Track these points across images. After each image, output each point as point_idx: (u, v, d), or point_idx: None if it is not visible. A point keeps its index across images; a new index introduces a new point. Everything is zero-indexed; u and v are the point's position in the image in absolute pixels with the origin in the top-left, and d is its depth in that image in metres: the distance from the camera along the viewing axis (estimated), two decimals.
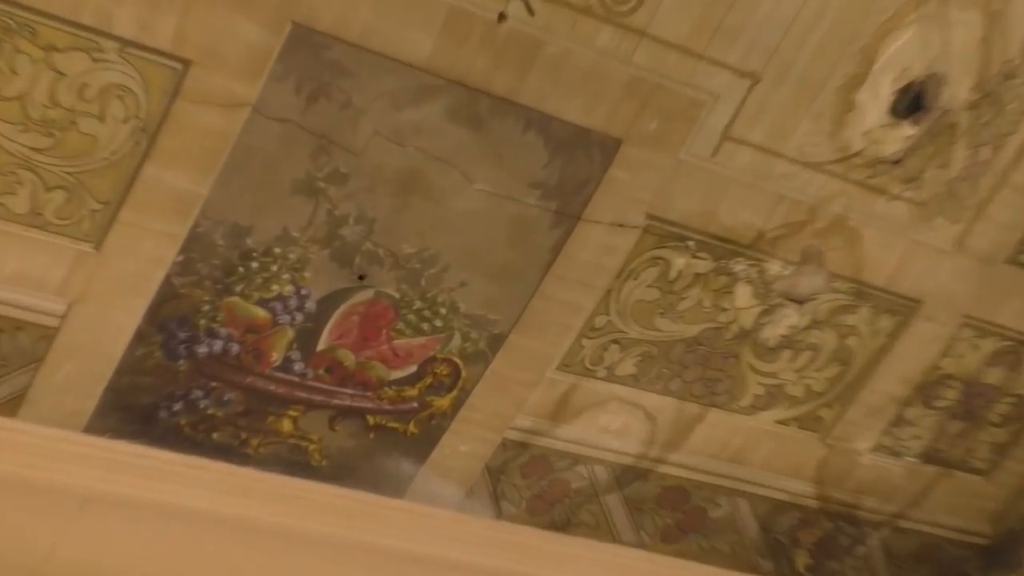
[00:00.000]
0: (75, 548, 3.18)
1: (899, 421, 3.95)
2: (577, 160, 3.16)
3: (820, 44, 3.12)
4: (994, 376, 3.95)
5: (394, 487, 3.57)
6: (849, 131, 3.29)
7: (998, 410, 4.04)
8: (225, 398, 3.31)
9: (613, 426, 3.67)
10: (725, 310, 3.55)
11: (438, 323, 3.35)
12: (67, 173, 2.87)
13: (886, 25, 3.13)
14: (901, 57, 3.18)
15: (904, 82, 3.22)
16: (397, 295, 3.27)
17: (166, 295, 3.11)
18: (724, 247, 3.42)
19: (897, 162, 3.38)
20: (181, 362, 3.23)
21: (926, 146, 3.38)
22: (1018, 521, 4.28)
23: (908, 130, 3.32)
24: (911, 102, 3.27)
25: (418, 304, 3.30)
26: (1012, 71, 3.30)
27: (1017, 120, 3.43)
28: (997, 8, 3.19)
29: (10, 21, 2.65)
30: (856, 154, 3.34)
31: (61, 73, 2.74)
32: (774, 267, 3.50)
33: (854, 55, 3.16)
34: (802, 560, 4.17)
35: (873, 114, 3.27)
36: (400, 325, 3.32)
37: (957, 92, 3.29)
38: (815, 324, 3.64)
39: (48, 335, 3.09)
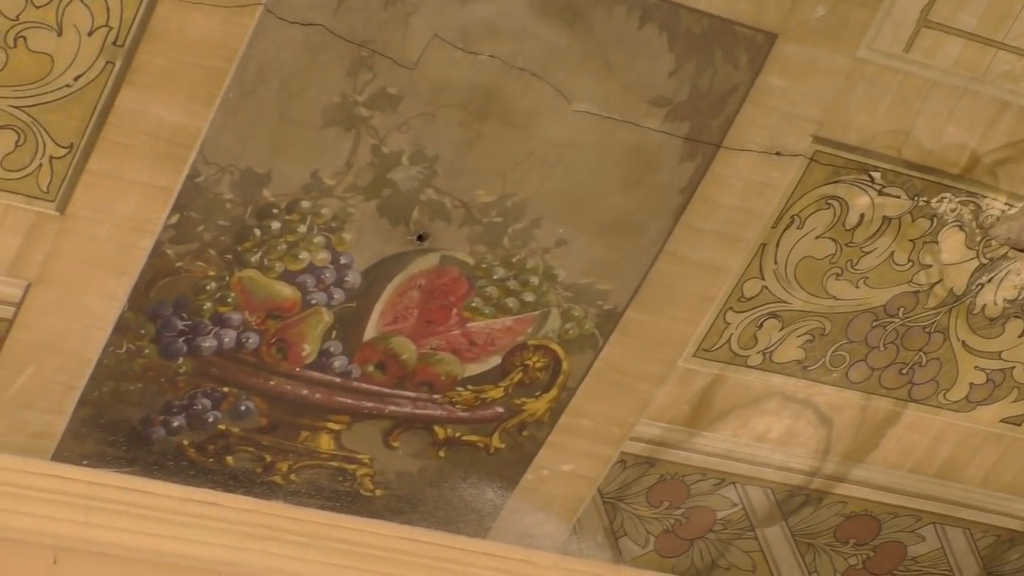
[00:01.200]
0: None
1: None
2: (715, 64, 3.10)
3: None
4: None
5: (475, 523, 3.59)
6: None
7: None
8: (242, 408, 3.30)
9: (773, 432, 3.64)
10: (927, 267, 3.49)
11: (528, 297, 3.32)
12: (15, 107, 2.85)
13: None
14: None
15: None
16: (471, 261, 3.24)
17: (157, 270, 3.10)
18: (924, 179, 3.36)
19: None
20: (180, 360, 3.22)
21: None
22: None
23: None
24: None
25: (501, 272, 3.27)
26: None
27: None
28: None
29: None
30: None
31: None
32: (995, 204, 3.44)
33: None
34: None
35: None
36: (476, 302, 3.30)
37: None
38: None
39: None
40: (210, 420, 3.29)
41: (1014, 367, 3.70)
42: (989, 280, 3.54)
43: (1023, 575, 4.05)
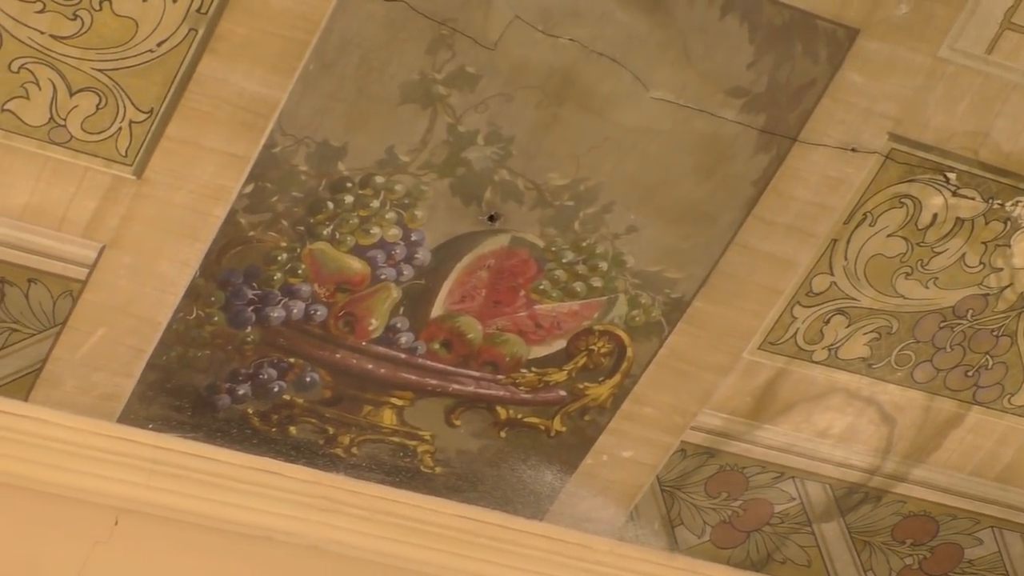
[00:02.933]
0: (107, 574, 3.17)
1: None
2: (795, 58, 3.07)
3: None
4: None
5: (532, 505, 3.58)
6: None
7: None
8: (307, 379, 3.30)
9: (835, 428, 3.61)
10: (998, 270, 3.45)
11: (596, 282, 3.30)
12: (98, 70, 2.84)
13: None
14: None
15: None
16: (541, 243, 3.23)
17: (229, 239, 3.11)
18: (1000, 182, 3.31)
19: None
20: (249, 329, 3.22)
21: None
22: None
23: None
24: None
25: (570, 256, 3.26)
26: None
27: None
28: None
29: None
30: None
31: None
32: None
33: None
34: None
35: None
36: (544, 284, 3.29)
37: None
38: None
39: (72, 291, 3.10)
40: (275, 390, 3.29)
41: None
42: None
43: None
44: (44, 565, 3.17)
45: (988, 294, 3.49)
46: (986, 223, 3.38)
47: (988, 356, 3.57)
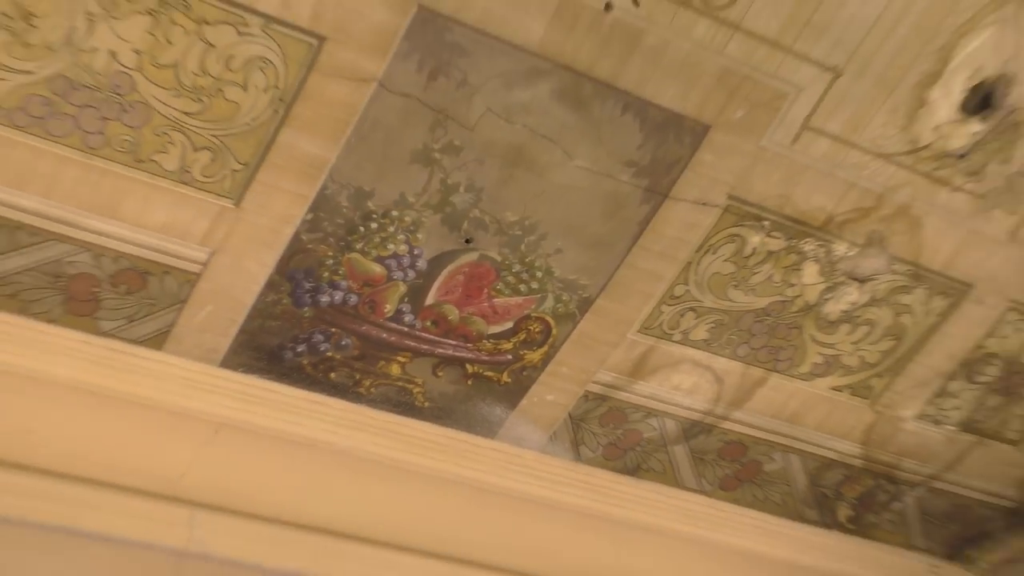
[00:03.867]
0: (207, 470, 3.15)
1: (942, 393, 3.82)
2: (668, 143, 3.04)
3: (901, 42, 2.96)
4: None
5: (486, 429, 3.54)
6: (920, 125, 3.13)
7: None
8: (343, 343, 3.26)
9: (684, 385, 3.60)
10: (792, 285, 3.44)
11: (534, 285, 3.27)
12: (213, 136, 2.81)
13: (964, 26, 2.96)
14: (976, 57, 3.01)
15: (976, 81, 3.05)
16: (499, 258, 3.19)
17: (295, 249, 3.06)
18: (796, 228, 3.30)
19: (962, 156, 3.22)
20: (306, 309, 3.18)
21: (991, 142, 3.21)
22: None
23: (975, 127, 3.16)
24: (981, 100, 3.10)
25: (517, 267, 3.22)
26: None
27: None
28: None
29: None
30: (925, 147, 3.18)
31: (210, 44, 2.67)
32: (840, 248, 3.37)
33: (932, 54, 2.99)
34: (843, 512, 4.07)
35: (944, 110, 3.11)
36: (500, 286, 3.25)
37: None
38: (873, 302, 3.52)
39: (191, 280, 3.06)
40: (321, 349, 3.25)
41: (841, 355, 3.63)
42: (832, 297, 3.48)
43: (833, 488, 3.97)
44: (167, 456, 3.11)
45: (786, 300, 3.46)
46: (786, 255, 3.36)
47: (784, 341, 3.54)
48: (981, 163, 3.24)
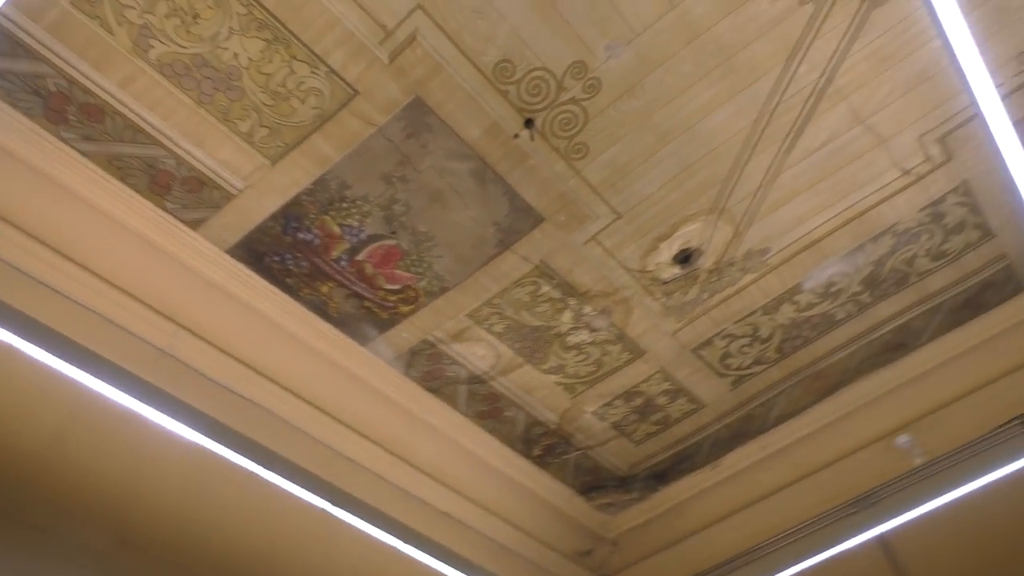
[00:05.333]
0: (194, 308, 3.06)
1: (609, 404, 3.91)
2: (520, 219, 3.15)
3: (656, 213, 3.17)
4: (660, 400, 3.94)
5: (362, 339, 3.47)
6: (650, 260, 3.26)
7: (656, 415, 4.05)
8: (301, 264, 3.21)
9: (479, 353, 3.59)
10: (555, 320, 3.52)
11: (420, 271, 3.29)
12: (275, 121, 2.81)
13: (689, 217, 3.15)
14: (689, 234, 3.20)
15: (684, 246, 3.23)
16: (407, 248, 3.21)
17: (294, 202, 3.03)
18: (568, 290, 3.38)
19: (664, 283, 3.35)
20: (287, 237, 3.12)
21: (681, 281, 3.37)
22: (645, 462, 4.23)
23: (676, 271, 3.31)
24: (684, 258, 3.27)
25: (414, 257, 3.24)
26: (731, 261, 3.33)
27: (726, 285, 3.42)
28: (738, 217, 3.18)
29: (277, 34, 2.62)
30: (648, 271, 3.31)
31: (293, 71, 2.71)
32: (587, 309, 3.48)
33: (669, 224, 3.16)
34: (536, 451, 4.04)
35: (664, 256, 3.24)
36: (401, 264, 3.25)
37: (706, 261, 3.30)
38: (593, 343, 3.62)
39: (228, 197, 3.02)
40: (288, 263, 3.14)
41: (567, 365, 3.63)
42: (573, 333, 3.50)
43: (536, 437, 3.87)
44: (170, 291, 2.93)
45: (549, 326, 3.51)
46: (558, 302, 3.43)
47: (540, 347, 3.59)
48: (673, 290, 3.48)
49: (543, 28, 2.54)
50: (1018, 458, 3.04)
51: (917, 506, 3.18)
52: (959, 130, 2.95)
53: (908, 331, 3.52)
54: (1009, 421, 3.23)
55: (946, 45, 2.15)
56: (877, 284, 3.37)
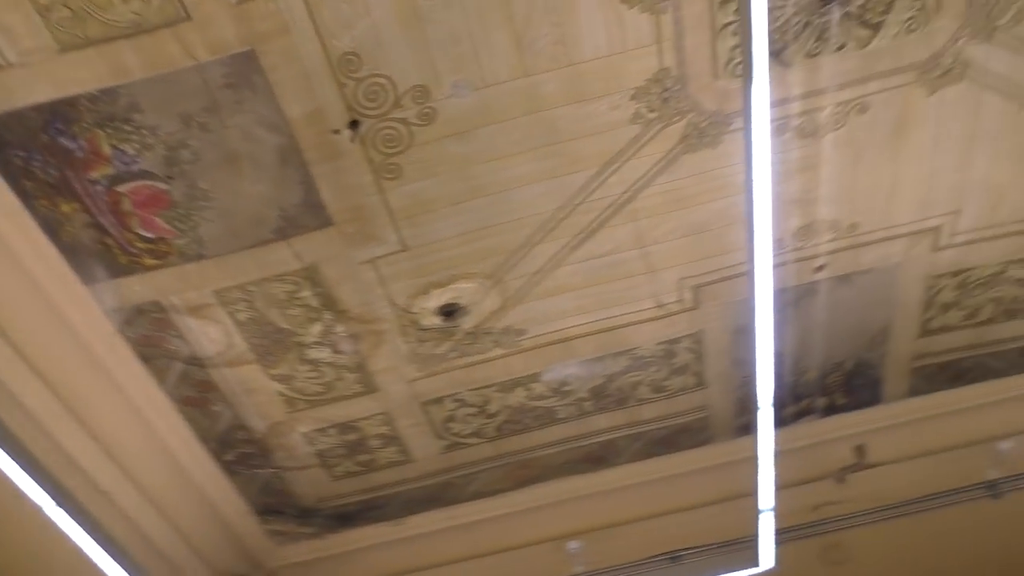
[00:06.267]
0: None
1: (324, 431, 3.79)
2: (309, 215, 3.02)
3: (442, 258, 3.18)
4: (373, 442, 3.88)
5: (87, 277, 3.17)
6: (418, 303, 3.27)
7: (363, 456, 3.93)
8: (50, 172, 2.90)
9: (212, 335, 3.40)
10: (304, 328, 3.42)
11: (183, 228, 3.09)
12: (84, 7, 2.50)
13: (465, 275, 3.20)
14: (460, 291, 3.25)
15: (454, 300, 3.28)
16: (178, 200, 3.01)
17: (70, 102, 2.73)
18: (328, 302, 3.27)
19: (422, 329, 3.37)
20: (45, 137, 2.81)
21: (438, 333, 3.39)
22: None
23: (438, 321, 3.34)
24: (449, 311, 3.31)
25: (182, 211, 3.04)
26: (489, 331, 3.39)
27: (476, 352, 3.49)
28: (511, 292, 3.25)
29: None
30: (412, 313, 3.32)
31: None
32: (338, 328, 3.42)
33: (447, 277, 3.20)
34: (229, 456, 3.81)
35: (431, 303, 3.26)
36: (165, 214, 3.05)
37: (467, 322, 3.35)
38: (332, 364, 3.51)
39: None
40: (34, 164, 2.84)
41: (296, 377, 3.53)
42: (315, 348, 3.43)
43: (231, 441, 3.76)
44: None
45: (296, 333, 3.37)
46: (314, 311, 3.29)
47: (276, 349, 3.41)
48: (426, 339, 3.42)
49: (402, 39, 2.51)
50: None
51: None
52: (713, 285, 3.24)
53: (612, 448, 3.79)
54: (660, 554, 3.71)
55: (747, 202, 2.30)
56: (602, 396, 3.61)
